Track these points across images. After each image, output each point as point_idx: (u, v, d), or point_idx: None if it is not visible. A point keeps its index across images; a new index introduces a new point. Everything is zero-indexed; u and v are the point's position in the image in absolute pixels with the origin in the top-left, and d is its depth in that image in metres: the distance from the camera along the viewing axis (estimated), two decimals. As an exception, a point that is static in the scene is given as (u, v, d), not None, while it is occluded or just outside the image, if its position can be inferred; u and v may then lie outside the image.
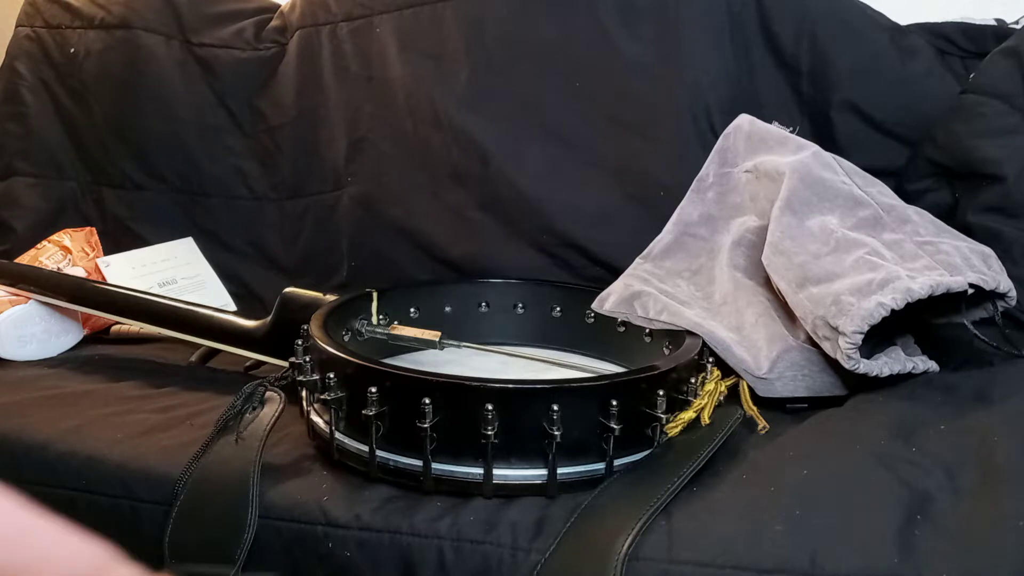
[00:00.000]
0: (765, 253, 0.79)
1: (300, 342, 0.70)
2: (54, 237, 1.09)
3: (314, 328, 0.69)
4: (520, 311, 0.93)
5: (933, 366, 0.74)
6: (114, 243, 1.15)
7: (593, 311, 0.87)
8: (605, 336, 0.87)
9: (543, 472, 0.58)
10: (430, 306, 0.90)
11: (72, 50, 1.21)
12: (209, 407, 0.74)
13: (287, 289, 0.81)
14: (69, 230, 1.11)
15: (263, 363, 0.84)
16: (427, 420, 0.57)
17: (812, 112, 1.03)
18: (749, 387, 0.73)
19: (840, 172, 0.84)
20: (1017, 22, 1.02)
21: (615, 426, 0.58)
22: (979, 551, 0.48)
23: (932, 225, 0.80)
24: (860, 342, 0.68)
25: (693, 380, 0.66)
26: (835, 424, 0.66)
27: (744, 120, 0.96)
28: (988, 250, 0.76)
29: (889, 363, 0.71)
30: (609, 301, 0.86)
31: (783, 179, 0.82)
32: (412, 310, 0.89)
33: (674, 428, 0.63)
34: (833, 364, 0.73)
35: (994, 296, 0.73)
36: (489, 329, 0.92)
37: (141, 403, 0.77)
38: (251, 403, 0.67)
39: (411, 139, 1.08)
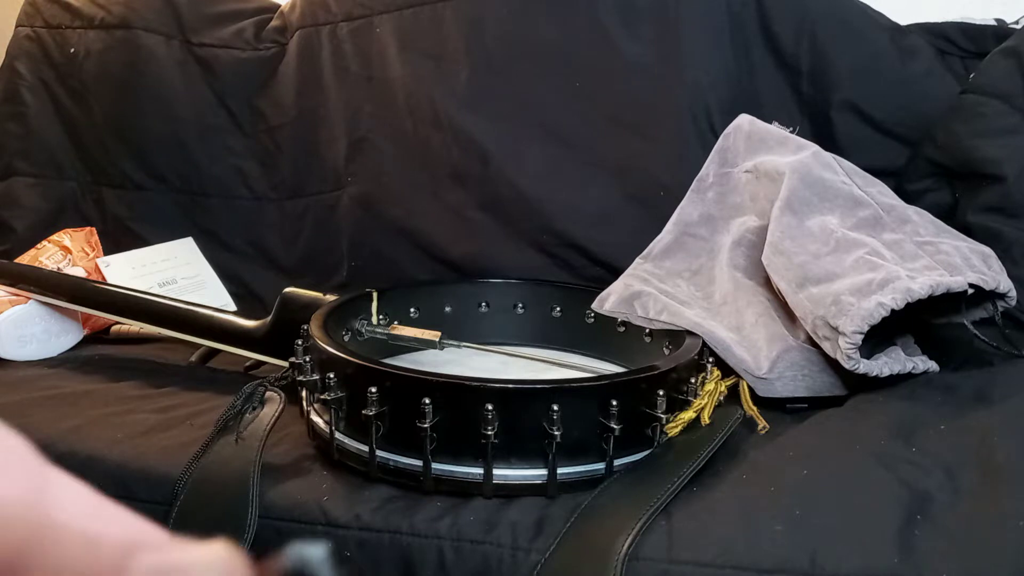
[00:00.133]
0: (765, 253, 0.79)
1: (300, 342, 0.70)
2: (54, 237, 1.09)
3: (314, 328, 0.69)
4: (520, 311, 0.93)
5: (933, 366, 0.74)
6: (114, 243, 1.15)
7: (593, 311, 0.87)
8: (605, 336, 0.87)
9: (543, 472, 0.58)
10: (430, 306, 0.90)
11: (72, 50, 1.21)
12: (209, 407, 0.74)
13: (287, 289, 0.81)
14: (69, 230, 1.10)
15: (263, 363, 0.84)
16: (427, 420, 0.56)
17: (812, 112, 1.03)
18: (749, 387, 0.73)
19: (840, 172, 0.84)
20: (1017, 22, 1.02)
21: (615, 426, 0.58)
22: (979, 551, 0.48)
23: (932, 225, 0.80)
24: (860, 342, 0.68)
25: (693, 380, 0.66)
26: (835, 424, 0.66)
27: (744, 120, 0.96)
28: (988, 250, 0.76)
29: (889, 363, 0.71)
30: (609, 301, 0.85)
31: (783, 179, 0.82)
32: (412, 310, 0.89)
33: (674, 428, 0.63)
34: (833, 364, 0.73)
35: (994, 296, 0.73)
36: (489, 329, 0.92)
37: (141, 403, 0.77)
38: (251, 403, 0.67)
39: (411, 139, 1.08)
